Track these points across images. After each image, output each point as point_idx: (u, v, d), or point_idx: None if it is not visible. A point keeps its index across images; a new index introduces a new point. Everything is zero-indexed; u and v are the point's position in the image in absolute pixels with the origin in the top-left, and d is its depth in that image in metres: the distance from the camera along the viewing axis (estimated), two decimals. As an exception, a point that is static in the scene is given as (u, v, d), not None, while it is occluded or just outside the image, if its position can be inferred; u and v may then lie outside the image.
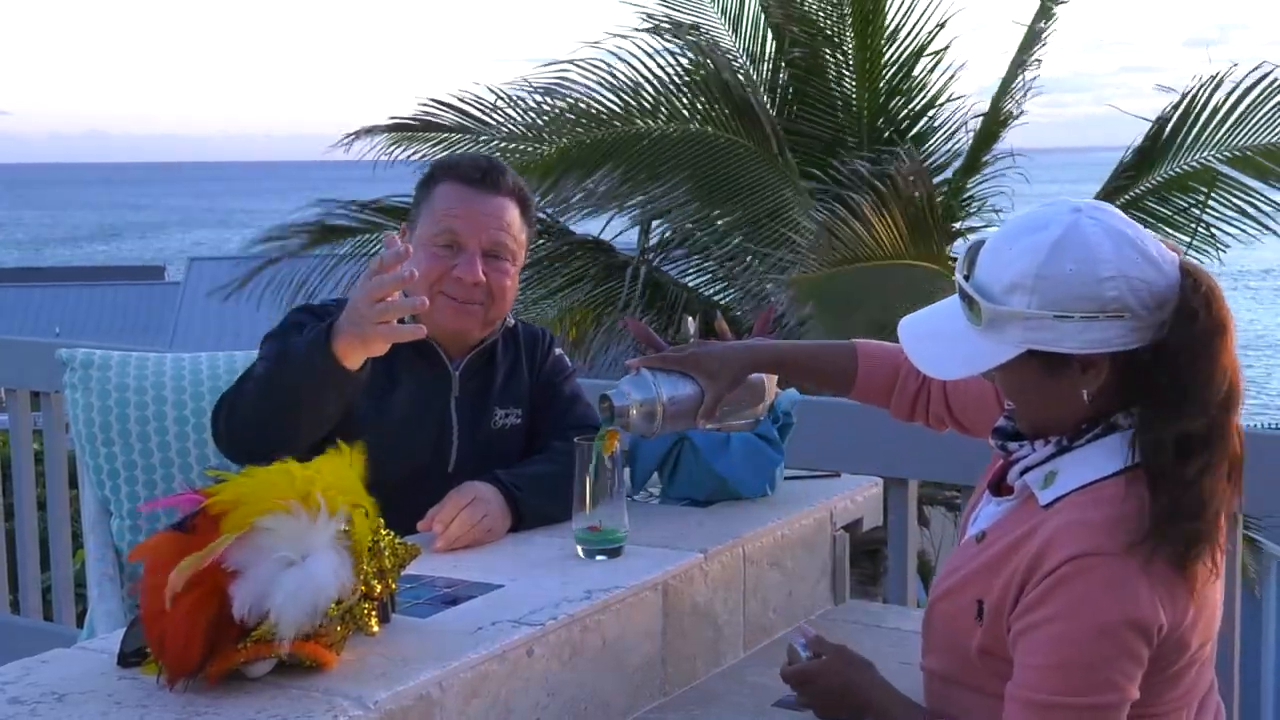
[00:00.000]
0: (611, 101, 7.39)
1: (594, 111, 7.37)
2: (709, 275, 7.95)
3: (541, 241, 7.52)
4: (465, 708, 1.66)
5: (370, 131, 7.64)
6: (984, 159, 7.83)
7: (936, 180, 7.80)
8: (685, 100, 7.43)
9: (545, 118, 7.42)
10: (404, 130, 7.64)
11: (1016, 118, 7.79)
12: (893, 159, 6.87)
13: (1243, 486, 1.62)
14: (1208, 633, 1.63)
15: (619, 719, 1.96)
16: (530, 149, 7.35)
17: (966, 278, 1.64)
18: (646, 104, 7.37)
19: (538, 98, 7.43)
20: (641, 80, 7.38)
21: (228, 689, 1.53)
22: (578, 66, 7.33)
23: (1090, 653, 1.52)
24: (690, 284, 7.93)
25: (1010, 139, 7.84)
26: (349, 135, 7.68)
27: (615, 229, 7.90)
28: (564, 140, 7.31)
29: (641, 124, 7.33)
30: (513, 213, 2.33)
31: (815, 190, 7.18)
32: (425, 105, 7.60)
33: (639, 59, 7.38)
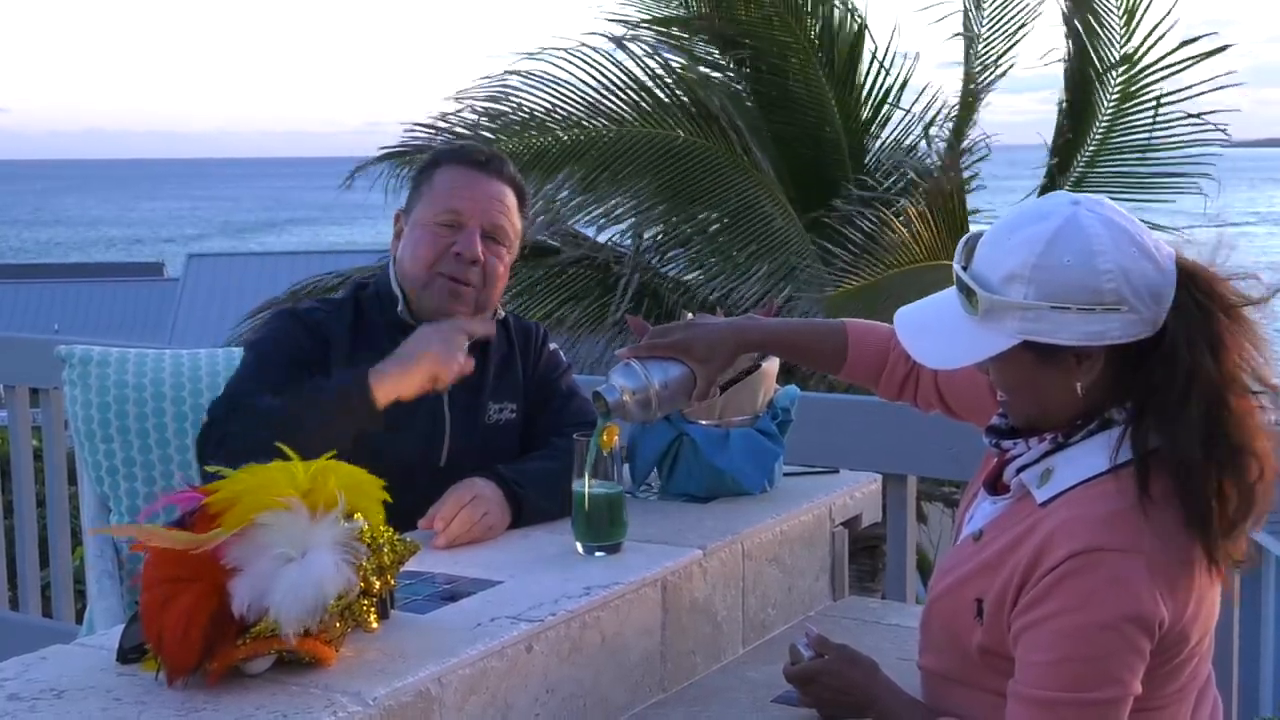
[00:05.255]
0: (571, 106, 7.49)
1: (555, 116, 7.48)
2: (704, 277, 7.99)
3: (534, 261, 7.63)
4: (464, 704, 1.66)
5: (362, 168, 7.88)
6: (959, 147, 7.86)
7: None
8: (647, 103, 7.53)
9: (514, 123, 7.51)
10: (394, 158, 7.82)
11: (981, 104, 7.83)
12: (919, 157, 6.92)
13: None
14: (1206, 625, 1.63)
15: (618, 715, 1.96)
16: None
17: (964, 268, 1.64)
18: (610, 108, 7.47)
19: (506, 108, 7.53)
20: (601, 84, 7.49)
21: (227, 685, 1.53)
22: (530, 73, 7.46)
23: (1093, 648, 1.53)
24: (686, 283, 7.96)
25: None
26: (347, 178, 7.92)
27: (605, 237, 7.99)
28: (524, 143, 7.42)
29: (602, 127, 7.44)
30: (511, 199, 2.38)
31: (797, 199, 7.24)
32: (410, 130, 7.85)
33: (595, 64, 7.50)
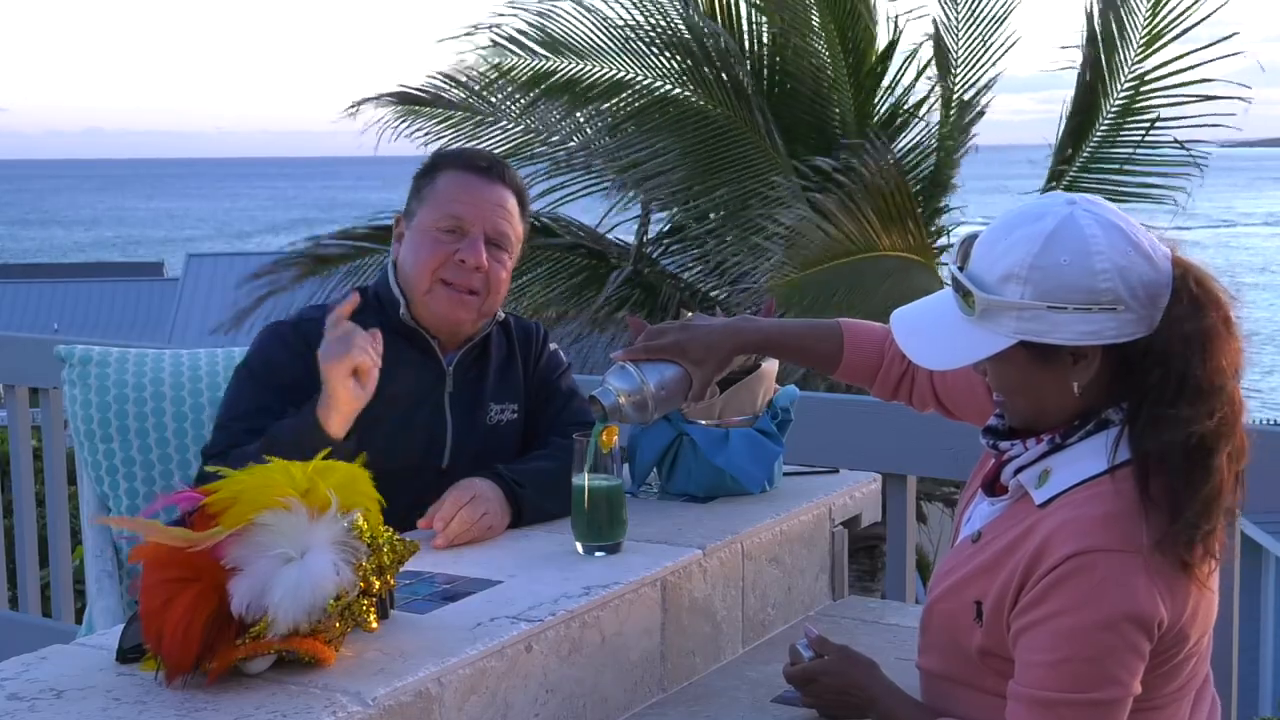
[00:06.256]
0: (602, 41, 7.34)
1: (584, 46, 7.33)
2: (704, 270, 7.97)
3: (535, 249, 7.56)
4: (464, 704, 1.66)
5: (377, 99, 7.50)
6: (959, 147, 7.85)
7: (920, 167, 7.79)
8: (676, 63, 7.40)
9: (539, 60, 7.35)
10: (411, 102, 7.50)
11: (982, 111, 7.85)
12: (860, 154, 6.90)
13: (1245, 482, 1.62)
14: (1205, 625, 1.63)
15: (618, 715, 1.96)
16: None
17: (961, 268, 1.64)
18: (637, 57, 7.36)
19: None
20: (632, 34, 7.35)
21: (226, 685, 1.53)
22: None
23: (1092, 648, 1.53)
24: (686, 278, 7.94)
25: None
26: (355, 103, 7.56)
27: (611, 222, 7.91)
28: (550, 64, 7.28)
29: (630, 74, 7.29)
30: (513, 204, 2.38)
31: (804, 185, 7.21)
32: (434, 78, 7.56)
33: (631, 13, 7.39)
